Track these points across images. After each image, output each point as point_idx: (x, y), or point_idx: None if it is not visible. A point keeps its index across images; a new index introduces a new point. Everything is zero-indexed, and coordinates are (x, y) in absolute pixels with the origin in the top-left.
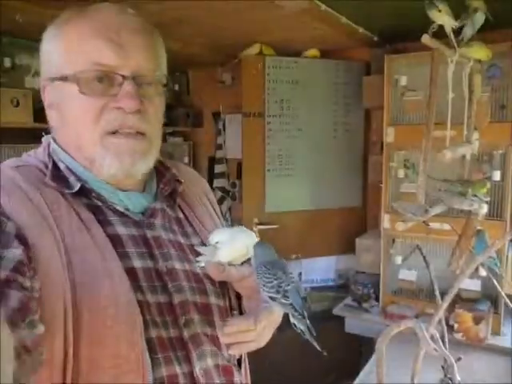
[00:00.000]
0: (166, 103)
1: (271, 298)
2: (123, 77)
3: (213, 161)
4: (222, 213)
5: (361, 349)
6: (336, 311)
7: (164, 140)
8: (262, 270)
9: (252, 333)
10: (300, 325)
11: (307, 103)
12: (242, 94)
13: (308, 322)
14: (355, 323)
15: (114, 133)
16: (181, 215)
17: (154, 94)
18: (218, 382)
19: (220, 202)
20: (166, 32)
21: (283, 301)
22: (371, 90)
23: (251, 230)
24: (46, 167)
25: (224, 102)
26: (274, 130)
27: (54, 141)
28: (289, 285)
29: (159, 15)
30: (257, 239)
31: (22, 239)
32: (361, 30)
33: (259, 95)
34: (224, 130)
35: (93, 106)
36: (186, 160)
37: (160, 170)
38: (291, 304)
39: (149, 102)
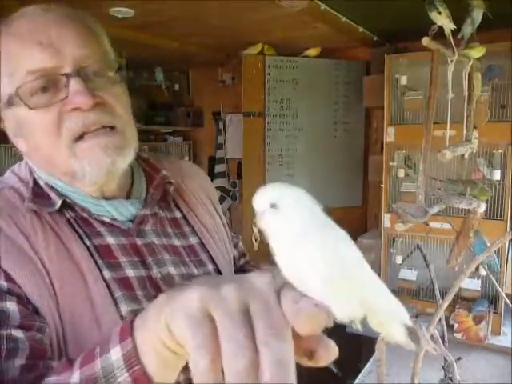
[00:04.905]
0: (167, 103)
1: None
2: (66, 75)
3: (213, 160)
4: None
5: (361, 349)
6: None
7: (164, 140)
8: None
9: None
10: None
11: (307, 103)
12: (242, 93)
13: None
14: None
15: (81, 137)
16: (178, 215)
17: (107, 83)
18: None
19: (220, 201)
20: (165, 31)
21: None
22: (371, 89)
23: (251, 229)
24: (26, 185)
25: (224, 102)
26: (274, 129)
27: None
28: None
29: (159, 14)
30: None
31: (11, 284)
32: (361, 29)
33: (259, 95)
34: (224, 129)
35: (48, 119)
36: (186, 160)
37: (150, 174)
38: None
39: (105, 92)
